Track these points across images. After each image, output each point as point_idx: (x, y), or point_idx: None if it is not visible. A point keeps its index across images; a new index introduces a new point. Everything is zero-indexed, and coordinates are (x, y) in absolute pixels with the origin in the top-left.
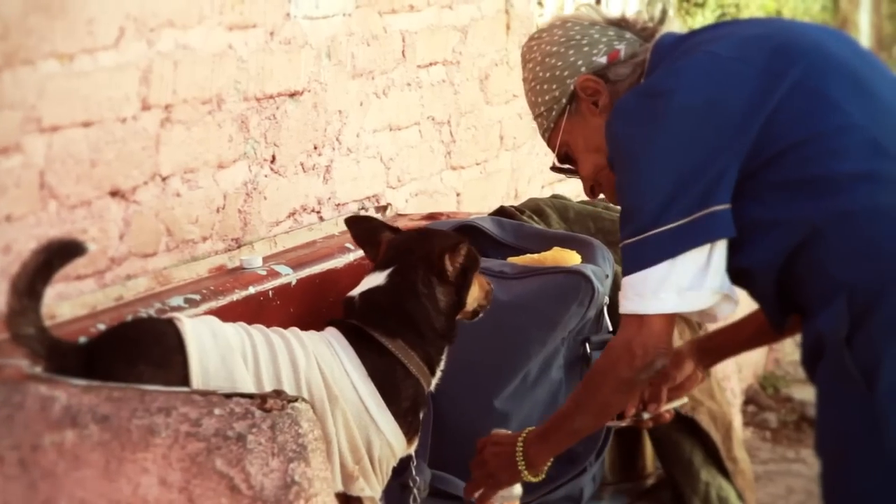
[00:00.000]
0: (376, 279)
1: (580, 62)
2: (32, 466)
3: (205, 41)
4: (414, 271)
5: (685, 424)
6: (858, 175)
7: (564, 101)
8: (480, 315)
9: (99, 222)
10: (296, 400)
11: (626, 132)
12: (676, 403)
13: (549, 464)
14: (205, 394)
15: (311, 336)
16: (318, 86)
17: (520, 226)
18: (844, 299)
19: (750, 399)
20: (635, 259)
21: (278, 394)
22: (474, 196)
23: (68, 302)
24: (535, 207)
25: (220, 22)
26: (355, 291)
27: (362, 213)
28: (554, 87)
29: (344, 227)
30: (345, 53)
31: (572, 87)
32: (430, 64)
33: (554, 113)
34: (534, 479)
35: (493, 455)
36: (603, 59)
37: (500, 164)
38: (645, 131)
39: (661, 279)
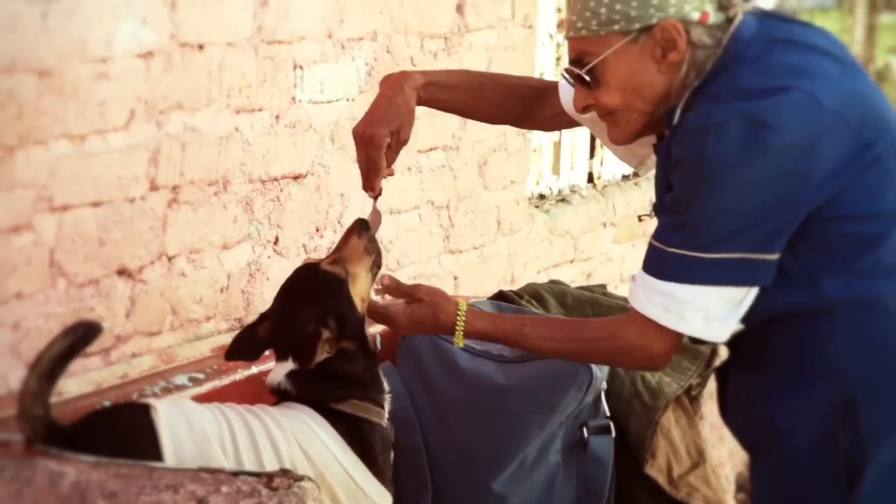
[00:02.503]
0: (286, 366)
1: (673, 2)
2: None
3: (212, 124)
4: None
5: None
6: (894, 269)
7: (637, 26)
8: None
9: (106, 301)
10: (302, 479)
11: (719, 151)
12: None
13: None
14: (212, 472)
15: (284, 414)
16: (322, 169)
17: (519, 310)
18: (838, 388)
19: (741, 487)
20: (676, 270)
21: (285, 472)
22: (472, 280)
23: (75, 379)
24: (533, 292)
25: (228, 105)
26: (279, 378)
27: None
28: (634, 5)
29: None
30: (348, 137)
31: (654, 22)
32: (430, 149)
33: (615, 27)
34: (457, 344)
35: (429, 304)
36: (695, 15)
37: (497, 248)
38: (739, 161)
39: (693, 301)
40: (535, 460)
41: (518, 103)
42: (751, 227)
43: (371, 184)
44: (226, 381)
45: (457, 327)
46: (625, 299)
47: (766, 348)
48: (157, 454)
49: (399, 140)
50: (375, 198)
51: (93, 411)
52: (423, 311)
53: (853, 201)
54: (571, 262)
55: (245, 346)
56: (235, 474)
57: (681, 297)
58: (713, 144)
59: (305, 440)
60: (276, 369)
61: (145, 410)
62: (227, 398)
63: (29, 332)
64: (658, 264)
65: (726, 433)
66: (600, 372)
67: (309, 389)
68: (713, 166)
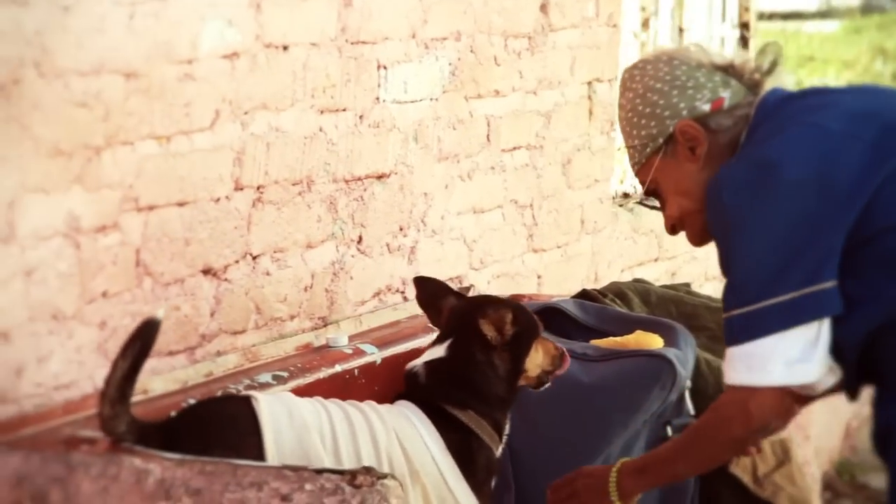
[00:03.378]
0: (438, 351)
1: (682, 105)
2: None
3: (296, 124)
4: (471, 341)
5: None
6: None
7: (661, 140)
8: (548, 384)
9: (191, 299)
10: (385, 477)
11: (736, 202)
12: None
13: (639, 497)
14: (296, 469)
15: (389, 410)
16: (405, 168)
17: (602, 309)
18: None
19: (826, 486)
20: (743, 330)
21: (368, 470)
22: (555, 278)
23: (160, 377)
24: (617, 291)
25: (312, 105)
26: (418, 364)
27: None
28: (652, 124)
29: None
30: (431, 137)
31: (672, 130)
32: (514, 148)
33: (648, 150)
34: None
35: (585, 486)
36: (706, 107)
37: (581, 247)
38: (755, 203)
39: (770, 352)
40: (618, 458)
41: None
42: (793, 262)
43: None
44: (310, 379)
45: (613, 501)
46: (709, 297)
47: (876, 366)
48: (258, 443)
49: None
50: None
51: (195, 403)
52: (570, 502)
53: (887, 213)
54: (655, 260)
55: (431, 289)
56: (319, 472)
57: (758, 353)
58: (727, 195)
59: (406, 436)
60: (425, 354)
61: (247, 401)
62: (309, 396)
63: (115, 330)
64: (730, 333)
65: (812, 432)
66: (685, 370)
67: (438, 382)
68: (733, 214)
